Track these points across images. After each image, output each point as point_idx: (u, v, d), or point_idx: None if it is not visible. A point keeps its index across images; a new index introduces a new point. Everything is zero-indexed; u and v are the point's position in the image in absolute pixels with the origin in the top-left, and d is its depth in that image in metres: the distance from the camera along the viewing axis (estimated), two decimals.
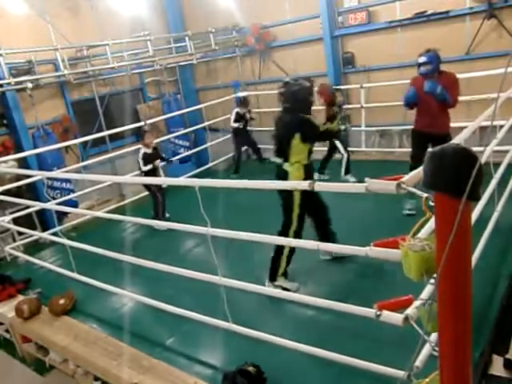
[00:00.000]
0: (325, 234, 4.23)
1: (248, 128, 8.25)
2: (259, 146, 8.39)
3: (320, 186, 2.45)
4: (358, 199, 5.23)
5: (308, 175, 3.95)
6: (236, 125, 7.90)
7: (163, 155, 6.71)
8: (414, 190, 2.03)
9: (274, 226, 3.90)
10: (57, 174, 6.38)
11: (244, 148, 8.54)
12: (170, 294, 4.04)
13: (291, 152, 3.88)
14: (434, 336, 1.98)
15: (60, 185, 7.10)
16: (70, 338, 3.94)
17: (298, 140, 3.84)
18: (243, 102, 8.04)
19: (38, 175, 5.81)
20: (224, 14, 8.92)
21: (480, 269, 2.93)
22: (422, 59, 4.73)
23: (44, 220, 6.97)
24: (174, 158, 7.44)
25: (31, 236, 6.04)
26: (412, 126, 5.19)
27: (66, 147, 7.58)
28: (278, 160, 4.00)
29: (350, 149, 6.91)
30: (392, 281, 3.64)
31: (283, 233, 3.92)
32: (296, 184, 2.62)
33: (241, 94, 9.09)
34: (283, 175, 3.94)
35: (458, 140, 2.98)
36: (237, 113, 7.92)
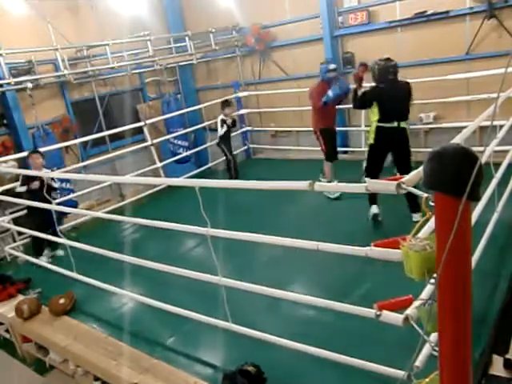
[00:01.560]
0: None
1: (230, 135, 7.90)
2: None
3: (320, 187, 2.44)
4: (358, 199, 5.22)
5: None
6: (221, 133, 7.65)
7: (52, 184, 5.52)
8: (413, 190, 2.03)
9: (273, 225, 3.90)
10: (56, 174, 6.37)
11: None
12: (169, 294, 4.04)
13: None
14: (433, 336, 1.98)
15: (60, 185, 7.09)
16: (70, 338, 3.94)
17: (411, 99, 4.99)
18: (224, 104, 7.66)
19: (37, 175, 5.79)
20: (224, 14, 8.92)
21: (480, 269, 2.93)
22: (333, 66, 6.30)
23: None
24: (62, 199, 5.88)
25: (31, 236, 6.03)
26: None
27: (66, 147, 7.57)
28: (395, 124, 4.82)
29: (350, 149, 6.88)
30: (392, 280, 3.64)
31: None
32: (295, 185, 2.61)
33: (241, 94, 9.10)
34: (404, 132, 4.89)
35: (457, 140, 2.97)
36: (221, 119, 7.62)
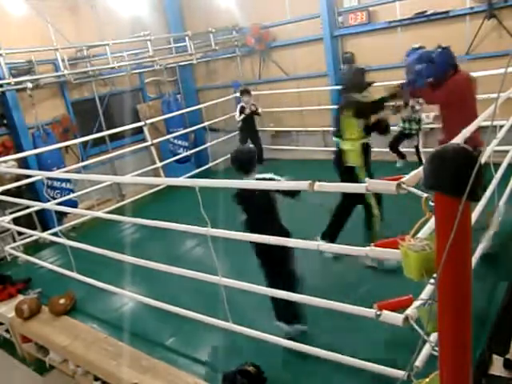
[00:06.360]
0: None
1: (253, 124, 8.06)
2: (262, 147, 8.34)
3: (320, 186, 2.43)
4: None
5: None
6: (238, 119, 7.88)
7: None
8: (414, 190, 2.03)
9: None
10: (56, 174, 6.38)
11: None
12: (169, 294, 4.03)
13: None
14: (434, 336, 1.98)
15: (60, 185, 7.10)
16: (70, 338, 3.94)
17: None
18: (242, 92, 7.91)
19: (37, 175, 5.81)
20: (224, 14, 8.92)
21: (480, 269, 2.93)
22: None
23: (44, 220, 6.96)
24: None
25: (31, 236, 6.04)
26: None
27: (66, 147, 7.58)
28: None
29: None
30: (392, 281, 3.64)
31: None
32: (295, 185, 2.61)
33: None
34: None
35: (458, 140, 2.97)
36: (241, 106, 7.87)
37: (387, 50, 7.50)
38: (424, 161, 5.71)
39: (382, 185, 2.14)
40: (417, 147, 6.49)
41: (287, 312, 3.30)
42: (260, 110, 7.98)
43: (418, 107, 6.18)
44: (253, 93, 9.23)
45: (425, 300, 1.89)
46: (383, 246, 2.16)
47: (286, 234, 3.14)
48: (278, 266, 3.26)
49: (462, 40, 6.80)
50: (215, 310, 3.38)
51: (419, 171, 2.07)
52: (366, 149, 4.33)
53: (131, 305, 4.31)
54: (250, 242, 3.20)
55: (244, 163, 3.28)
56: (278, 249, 2.93)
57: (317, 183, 2.43)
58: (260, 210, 3.24)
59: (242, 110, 7.83)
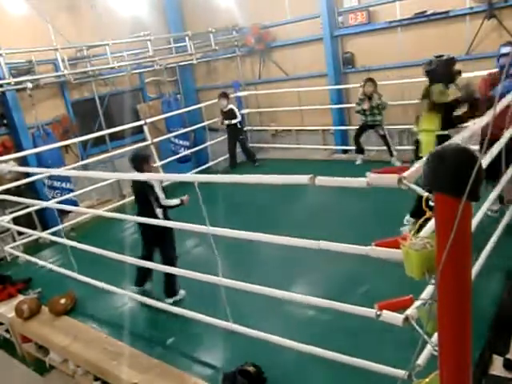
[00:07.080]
0: None
1: (235, 128, 8.24)
2: (248, 146, 8.64)
3: (321, 181, 2.42)
4: (360, 196, 5.21)
5: None
6: (220, 121, 8.24)
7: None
8: (415, 187, 2.02)
9: (275, 224, 3.88)
10: (56, 171, 6.36)
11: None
12: None
13: None
14: (434, 336, 1.98)
15: (60, 185, 7.09)
16: (70, 337, 3.94)
17: None
18: (219, 96, 8.16)
19: (37, 172, 5.82)
20: (224, 14, 8.91)
21: (480, 268, 2.92)
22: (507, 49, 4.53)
23: (44, 220, 6.96)
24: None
25: (31, 236, 6.03)
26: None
27: (66, 147, 7.57)
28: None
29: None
30: (394, 280, 3.63)
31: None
32: (296, 179, 2.58)
33: (240, 94, 9.11)
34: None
35: (458, 140, 2.97)
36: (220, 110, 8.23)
37: (387, 49, 7.50)
38: (392, 148, 5.96)
39: (384, 179, 2.13)
40: (384, 136, 6.90)
41: (173, 286, 4.11)
42: (224, 122, 8.13)
43: (378, 101, 6.74)
44: (252, 92, 9.27)
45: (425, 300, 1.88)
46: (385, 245, 2.15)
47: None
48: (158, 245, 4.16)
49: (461, 40, 6.80)
50: (215, 310, 3.38)
51: (419, 168, 2.06)
52: (442, 142, 4.23)
53: (131, 305, 4.30)
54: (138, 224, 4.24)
55: (131, 163, 4.27)
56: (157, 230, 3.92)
57: (317, 178, 2.42)
58: (141, 201, 4.25)
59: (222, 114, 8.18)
